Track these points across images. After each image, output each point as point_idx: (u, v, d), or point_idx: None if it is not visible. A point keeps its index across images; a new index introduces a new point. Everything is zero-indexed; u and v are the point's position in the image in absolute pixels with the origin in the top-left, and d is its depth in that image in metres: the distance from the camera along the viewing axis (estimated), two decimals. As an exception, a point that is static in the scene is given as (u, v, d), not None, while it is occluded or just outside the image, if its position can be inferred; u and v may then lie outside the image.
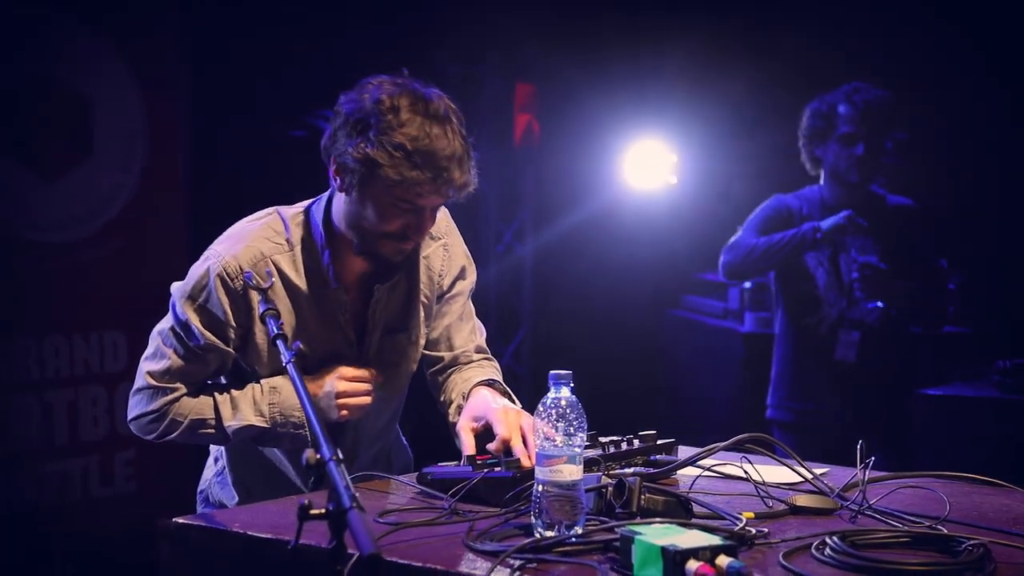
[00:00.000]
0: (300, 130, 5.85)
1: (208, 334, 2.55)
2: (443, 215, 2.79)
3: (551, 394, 2.10)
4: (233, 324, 2.55)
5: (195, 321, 2.54)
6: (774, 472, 2.52)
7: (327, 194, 2.63)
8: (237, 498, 2.76)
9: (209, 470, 2.86)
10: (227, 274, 2.54)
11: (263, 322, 2.31)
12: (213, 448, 2.85)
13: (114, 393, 5.07)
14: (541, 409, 2.10)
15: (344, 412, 2.58)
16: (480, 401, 2.58)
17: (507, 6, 6.72)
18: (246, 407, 2.58)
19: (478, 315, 2.95)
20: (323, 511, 1.73)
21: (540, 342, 7.01)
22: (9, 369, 4.75)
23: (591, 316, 7.18)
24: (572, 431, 2.08)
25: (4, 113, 4.72)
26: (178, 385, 2.58)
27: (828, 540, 1.98)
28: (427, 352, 2.83)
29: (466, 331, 2.84)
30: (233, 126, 5.64)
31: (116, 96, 5.06)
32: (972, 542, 1.95)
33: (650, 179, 7.58)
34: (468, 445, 2.48)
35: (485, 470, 2.36)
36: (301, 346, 2.14)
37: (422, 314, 2.76)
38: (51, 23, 4.83)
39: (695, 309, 6.58)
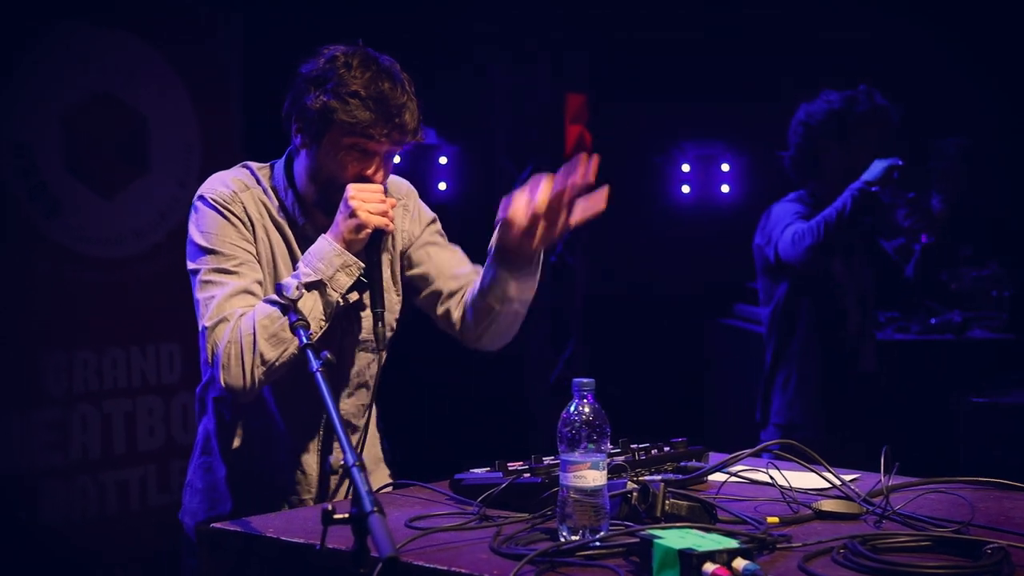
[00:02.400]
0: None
1: (232, 250, 2.66)
2: (406, 184, 2.97)
3: (575, 402, 2.14)
4: (249, 238, 2.69)
5: (217, 245, 2.66)
6: (802, 478, 2.54)
7: (284, 155, 2.82)
8: (225, 471, 2.80)
9: (191, 463, 2.91)
10: (224, 200, 2.70)
11: (293, 332, 2.38)
12: (198, 434, 2.90)
13: (170, 403, 5.19)
14: (565, 417, 2.14)
15: (364, 215, 2.61)
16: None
17: (558, 16, 6.77)
18: (291, 281, 2.61)
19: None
20: (346, 515, 1.78)
21: (592, 351, 7.04)
22: (71, 381, 4.87)
23: (643, 326, 7.21)
24: (596, 438, 2.11)
25: (64, 130, 4.84)
26: (233, 309, 2.61)
27: (848, 544, 2.00)
28: (424, 295, 2.88)
29: (455, 259, 2.92)
30: (285, 140, 5.73)
31: (171, 112, 5.18)
32: (992, 545, 1.95)
33: (703, 188, 7.61)
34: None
35: (514, 476, 2.40)
36: (329, 355, 2.19)
37: (389, 269, 2.86)
38: (108, 40, 4.95)
39: (746, 318, 6.57)
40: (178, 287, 5.15)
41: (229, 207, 2.70)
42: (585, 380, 2.14)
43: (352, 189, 2.64)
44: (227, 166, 5.25)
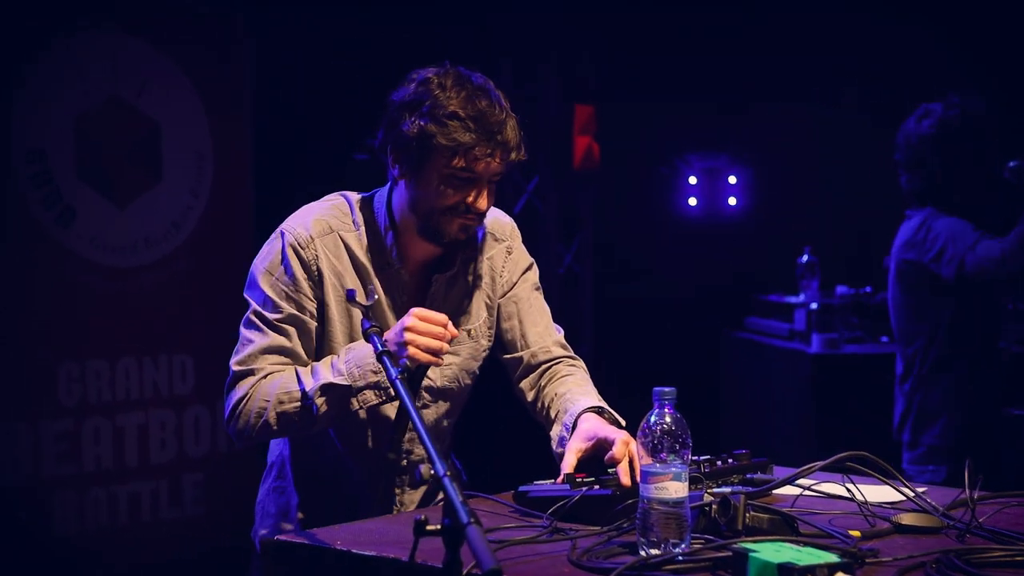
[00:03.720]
0: (363, 154, 5.89)
1: (286, 305, 2.59)
2: (509, 222, 2.88)
3: (655, 411, 2.08)
4: (309, 294, 2.60)
5: (273, 294, 2.59)
6: (873, 491, 2.49)
7: (387, 186, 2.70)
8: (298, 499, 2.75)
9: (264, 484, 2.85)
10: (299, 244, 2.59)
11: (367, 339, 2.31)
12: (270, 454, 2.85)
13: (182, 416, 5.11)
14: (645, 426, 2.08)
15: (412, 350, 2.45)
16: (591, 426, 2.54)
17: (565, 25, 6.73)
18: (324, 369, 2.55)
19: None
20: (439, 527, 1.72)
21: (600, 365, 6.98)
22: (84, 391, 4.79)
23: (652, 339, 7.16)
24: (678, 448, 2.06)
25: (77, 136, 4.77)
26: (263, 366, 2.58)
27: (943, 558, 1.94)
28: (506, 357, 2.83)
29: (541, 325, 2.84)
30: (298, 150, 5.68)
31: (185, 120, 5.11)
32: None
33: (709, 201, 7.58)
34: (569, 464, 2.46)
35: (584, 488, 2.34)
36: (407, 360, 2.12)
37: (484, 313, 2.79)
38: (122, 47, 4.89)
39: (759, 331, 6.52)
40: (191, 297, 5.13)
41: (300, 253, 2.59)
42: (666, 389, 2.09)
43: (412, 317, 2.46)
44: (237, 175, 5.28)
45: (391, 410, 2.63)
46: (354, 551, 2.12)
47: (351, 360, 2.53)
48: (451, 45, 6.02)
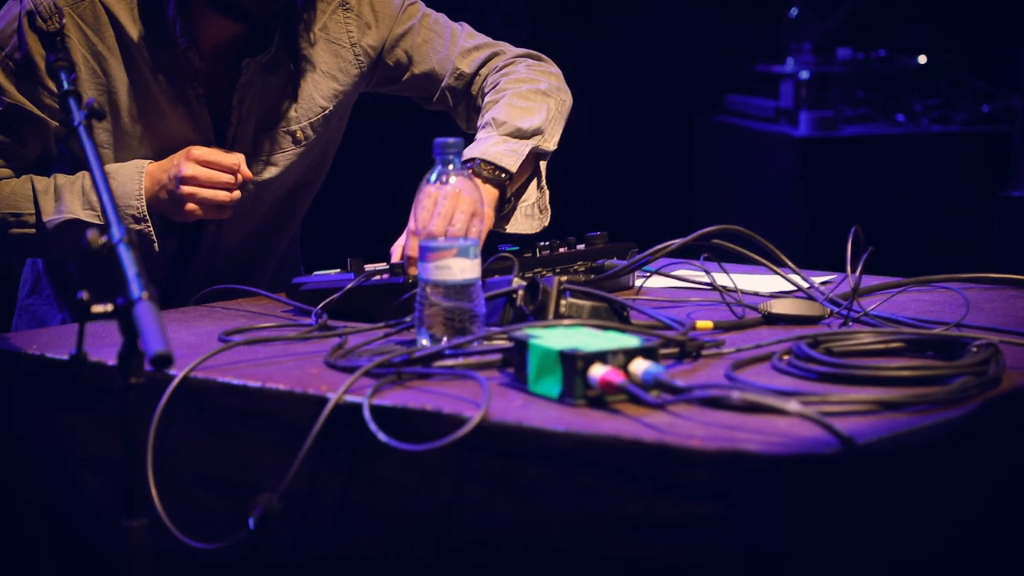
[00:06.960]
0: None
1: (18, 95, 2.59)
2: None
3: (437, 168, 2.11)
4: (49, 84, 2.58)
5: (1, 79, 2.59)
6: (759, 281, 2.55)
7: None
8: (62, 318, 2.82)
9: (23, 287, 2.92)
10: (39, 13, 2.56)
11: (52, 76, 2.32)
12: (23, 278, 2.93)
13: None
14: (423, 188, 2.12)
15: (190, 206, 2.56)
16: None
17: None
18: (72, 197, 2.58)
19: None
20: (109, 307, 1.75)
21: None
22: None
23: (604, 126, 7.07)
24: (464, 215, 2.09)
25: None
26: None
27: (795, 347, 1.99)
28: (435, 103, 2.91)
29: (443, 49, 2.85)
30: None
31: None
32: (979, 342, 1.96)
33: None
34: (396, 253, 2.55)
35: (363, 277, 2.39)
36: (95, 104, 2.12)
37: (324, 105, 2.80)
38: None
39: (740, 112, 6.49)
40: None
41: (40, 26, 2.55)
42: (450, 140, 2.10)
43: (191, 164, 2.54)
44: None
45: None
46: (48, 355, 2.18)
47: (115, 187, 2.56)
48: None
